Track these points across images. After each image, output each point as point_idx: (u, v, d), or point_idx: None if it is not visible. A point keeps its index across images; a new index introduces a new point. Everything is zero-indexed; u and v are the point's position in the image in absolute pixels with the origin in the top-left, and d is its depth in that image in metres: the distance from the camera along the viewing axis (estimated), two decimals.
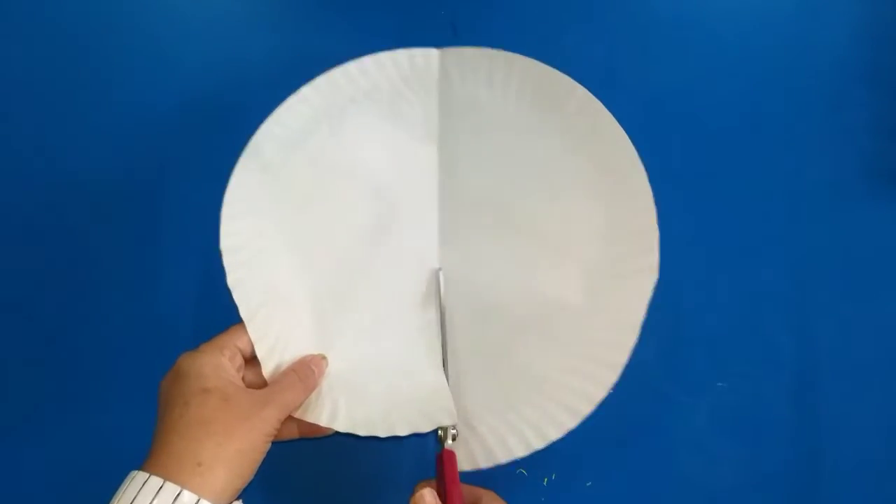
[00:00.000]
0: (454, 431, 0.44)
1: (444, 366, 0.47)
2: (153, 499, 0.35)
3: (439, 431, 0.44)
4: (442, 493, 0.40)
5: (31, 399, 0.50)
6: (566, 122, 0.50)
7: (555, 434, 0.44)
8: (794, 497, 0.49)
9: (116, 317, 0.51)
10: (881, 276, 0.52)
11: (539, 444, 0.44)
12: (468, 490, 0.43)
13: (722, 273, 0.52)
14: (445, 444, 0.43)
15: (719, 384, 0.50)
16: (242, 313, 0.45)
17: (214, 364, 0.41)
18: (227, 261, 0.45)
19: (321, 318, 0.48)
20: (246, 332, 0.44)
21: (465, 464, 0.44)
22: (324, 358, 0.46)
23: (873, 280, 0.52)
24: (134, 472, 0.36)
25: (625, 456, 0.49)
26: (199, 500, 0.36)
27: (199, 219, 0.48)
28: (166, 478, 0.35)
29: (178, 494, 0.35)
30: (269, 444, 0.40)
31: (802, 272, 0.52)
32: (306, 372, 0.44)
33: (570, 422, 0.44)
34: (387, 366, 0.47)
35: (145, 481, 0.35)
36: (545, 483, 0.49)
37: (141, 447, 0.38)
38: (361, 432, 0.43)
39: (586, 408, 0.44)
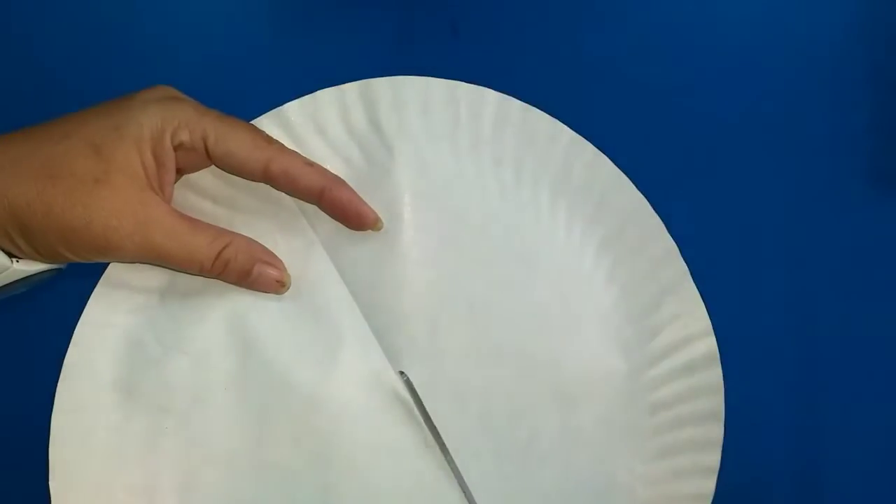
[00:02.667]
0: None
1: None
2: None
3: None
4: None
5: None
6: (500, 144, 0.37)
7: None
8: (795, 497, 0.49)
9: None
10: (882, 276, 0.52)
11: None
12: None
13: (722, 273, 0.52)
14: None
15: None
16: None
17: (160, 131, 0.30)
18: None
19: None
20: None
21: None
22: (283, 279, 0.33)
23: (874, 280, 0.52)
24: None
25: None
26: None
27: None
28: None
29: None
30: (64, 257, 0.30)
31: (803, 272, 0.52)
32: (245, 261, 0.32)
33: None
34: None
35: None
36: None
37: None
38: None
39: None
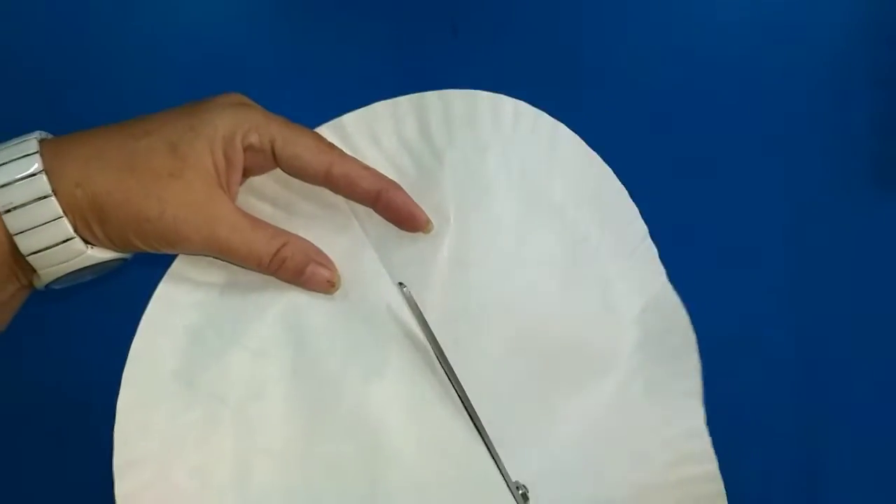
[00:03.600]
0: (523, 491, 0.36)
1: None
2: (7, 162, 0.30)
3: None
4: None
5: None
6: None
7: None
8: (795, 497, 0.49)
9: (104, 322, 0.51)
10: (883, 276, 0.52)
11: None
12: None
13: (723, 273, 0.52)
14: None
15: (719, 385, 0.50)
16: None
17: (231, 133, 0.32)
18: None
19: None
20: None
21: None
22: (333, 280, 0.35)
23: (875, 280, 0.52)
24: (33, 139, 0.31)
25: None
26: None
27: None
28: (51, 169, 0.30)
29: (34, 180, 0.30)
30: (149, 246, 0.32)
31: (804, 272, 0.52)
32: (300, 260, 0.34)
33: None
34: None
35: (26, 153, 0.30)
36: None
37: None
38: None
39: None
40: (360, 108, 0.46)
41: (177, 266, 0.35)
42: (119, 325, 0.34)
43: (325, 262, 0.35)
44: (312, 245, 0.35)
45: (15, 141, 0.31)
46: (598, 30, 0.55)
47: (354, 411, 0.35)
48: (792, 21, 0.55)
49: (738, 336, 0.51)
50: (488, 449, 0.36)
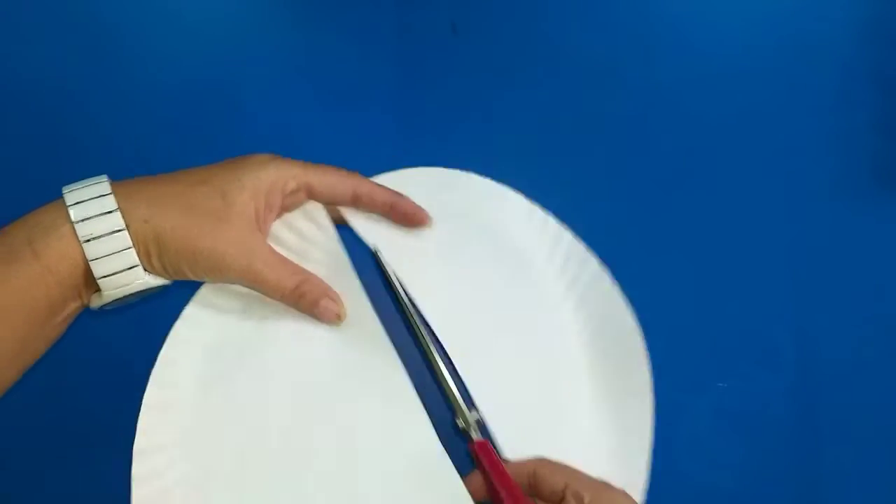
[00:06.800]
0: (476, 416, 0.41)
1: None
2: (89, 200, 0.36)
3: (460, 424, 0.42)
4: (489, 482, 0.40)
5: None
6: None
7: None
8: (795, 497, 0.49)
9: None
10: (883, 276, 0.52)
11: None
12: (518, 467, 0.41)
13: (723, 273, 0.52)
14: (474, 437, 0.41)
15: (720, 384, 0.50)
16: None
17: (274, 183, 0.40)
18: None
19: None
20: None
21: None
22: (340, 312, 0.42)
23: (875, 280, 0.52)
24: (105, 181, 0.37)
25: None
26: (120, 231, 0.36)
27: None
28: (123, 207, 0.36)
29: (109, 215, 0.36)
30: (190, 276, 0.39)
31: (804, 272, 0.52)
32: (317, 295, 0.41)
33: None
34: None
35: (102, 194, 0.36)
36: None
37: None
38: None
39: None
40: (359, 105, 0.46)
41: (202, 293, 0.42)
42: (151, 339, 0.40)
43: (335, 298, 0.42)
44: (326, 283, 0.42)
45: (88, 182, 0.37)
46: (599, 29, 0.55)
47: (343, 426, 0.41)
48: (793, 23, 0.55)
49: (738, 336, 0.51)
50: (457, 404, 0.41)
